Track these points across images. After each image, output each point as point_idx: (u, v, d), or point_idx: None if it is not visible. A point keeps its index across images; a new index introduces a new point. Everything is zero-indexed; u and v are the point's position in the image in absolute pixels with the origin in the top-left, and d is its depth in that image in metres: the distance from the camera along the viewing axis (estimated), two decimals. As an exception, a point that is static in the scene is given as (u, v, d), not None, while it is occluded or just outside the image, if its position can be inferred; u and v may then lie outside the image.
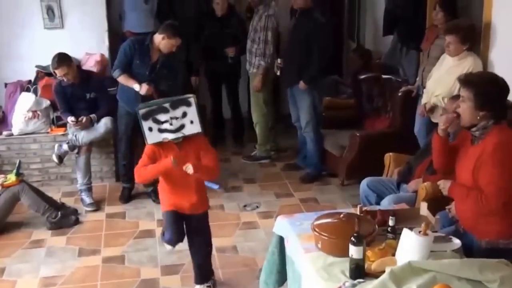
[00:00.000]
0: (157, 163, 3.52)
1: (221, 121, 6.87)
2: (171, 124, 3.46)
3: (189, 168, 3.43)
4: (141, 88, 4.82)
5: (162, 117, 3.45)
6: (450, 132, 3.73)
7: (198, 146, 3.58)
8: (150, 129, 3.45)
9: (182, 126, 3.49)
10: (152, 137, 3.47)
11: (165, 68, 4.95)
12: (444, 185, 3.17)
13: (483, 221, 3.00)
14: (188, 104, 3.49)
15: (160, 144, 3.52)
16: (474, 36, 4.46)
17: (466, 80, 3.01)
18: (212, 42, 6.24)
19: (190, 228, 3.74)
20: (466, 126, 3.03)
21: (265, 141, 6.23)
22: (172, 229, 3.62)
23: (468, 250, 2.99)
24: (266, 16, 5.74)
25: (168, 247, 3.68)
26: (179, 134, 3.49)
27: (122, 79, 4.95)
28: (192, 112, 3.50)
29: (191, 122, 3.50)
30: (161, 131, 3.47)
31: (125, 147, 5.23)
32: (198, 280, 3.87)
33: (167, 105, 3.46)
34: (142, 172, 3.57)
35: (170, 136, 3.48)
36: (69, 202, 5.16)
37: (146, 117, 3.44)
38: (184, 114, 3.48)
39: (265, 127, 6.17)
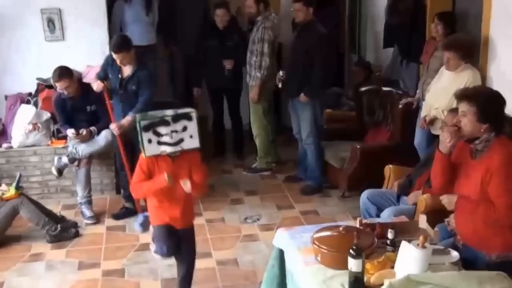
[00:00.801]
0: (152, 181, 3.55)
1: (222, 132, 6.90)
2: (171, 138, 3.49)
3: (186, 186, 3.49)
4: (95, 85, 4.99)
5: (162, 130, 3.47)
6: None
7: (191, 162, 3.60)
8: (150, 141, 3.47)
9: (181, 140, 3.52)
10: (150, 149, 3.49)
11: (132, 84, 4.88)
12: (448, 200, 3.17)
13: (491, 234, 3.03)
14: (190, 119, 3.53)
15: (155, 157, 3.55)
16: (473, 51, 4.52)
17: (465, 95, 3.06)
18: (213, 55, 6.29)
19: (179, 239, 3.76)
20: (468, 139, 3.07)
21: (266, 153, 6.26)
22: (167, 244, 3.65)
23: (470, 264, 3.02)
24: (263, 28, 5.79)
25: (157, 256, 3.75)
26: (177, 148, 3.52)
27: None
28: (193, 127, 3.53)
29: (191, 136, 3.53)
30: (160, 143, 3.49)
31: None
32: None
33: (168, 118, 3.49)
34: (139, 190, 3.65)
35: (168, 149, 3.50)
36: (69, 215, 5.20)
37: (147, 128, 3.46)
38: (185, 128, 3.52)
39: (265, 139, 6.21)
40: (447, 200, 3.19)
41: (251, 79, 6.01)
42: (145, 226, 4.25)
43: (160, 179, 3.50)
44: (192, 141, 3.54)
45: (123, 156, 4.89)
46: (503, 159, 2.93)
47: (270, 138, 6.27)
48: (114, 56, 4.81)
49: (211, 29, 6.36)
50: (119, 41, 4.82)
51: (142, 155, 3.53)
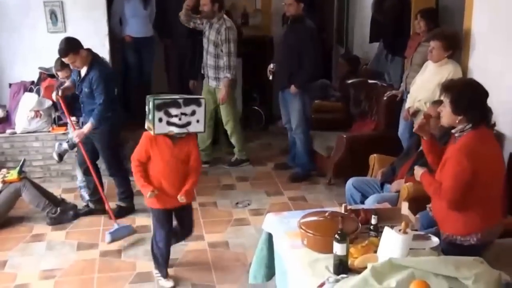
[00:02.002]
0: (142, 185, 3.62)
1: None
2: (179, 119, 3.54)
3: (182, 199, 3.61)
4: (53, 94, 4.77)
5: (173, 111, 3.52)
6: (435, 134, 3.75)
7: (190, 146, 3.66)
8: (160, 120, 3.51)
9: (188, 123, 3.57)
10: (160, 128, 3.52)
11: (85, 86, 4.57)
12: (417, 171, 3.21)
13: (443, 214, 3.05)
14: (199, 104, 3.58)
15: (156, 137, 3.58)
16: (457, 44, 4.49)
17: (445, 87, 3.05)
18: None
19: (178, 219, 3.87)
20: (447, 128, 3.07)
21: (243, 144, 6.10)
22: (166, 229, 3.73)
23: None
24: (226, 29, 5.51)
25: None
26: (183, 130, 3.57)
27: None
28: (201, 112, 3.58)
29: (197, 121, 3.59)
30: (169, 124, 3.53)
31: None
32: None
33: (180, 101, 3.54)
34: (135, 176, 3.68)
35: (175, 130, 3.55)
36: (69, 198, 5.15)
37: (159, 107, 3.50)
38: (193, 113, 3.56)
39: (240, 132, 6.03)
40: (416, 171, 3.23)
41: (219, 82, 5.70)
42: (115, 236, 4.39)
43: (145, 191, 3.59)
44: (198, 126, 3.60)
45: (87, 161, 4.67)
46: (457, 150, 2.93)
47: (242, 132, 6.11)
48: (63, 60, 4.58)
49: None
50: (64, 45, 4.45)
51: (150, 132, 3.57)
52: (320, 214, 3.16)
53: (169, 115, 3.52)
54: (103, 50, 5.84)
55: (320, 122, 5.96)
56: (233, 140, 6.05)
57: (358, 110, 5.82)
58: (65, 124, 5.41)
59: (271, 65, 5.66)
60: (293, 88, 5.43)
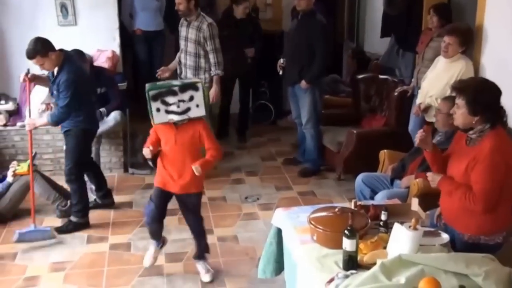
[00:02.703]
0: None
1: (228, 117, 6.74)
2: (178, 107, 3.51)
3: (197, 170, 3.52)
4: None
5: (170, 99, 3.49)
6: (442, 132, 3.74)
7: (196, 130, 3.62)
8: (158, 110, 3.49)
9: (188, 109, 3.54)
10: (159, 117, 3.52)
11: (54, 89, 4.41)
12: (433, 178, 3.12)
13: (466, 215, 2.99)
14: (196, 89, 3.54)
15: (160, 126, 3.59)
16: (471, 40, 4.45)
17: (458, 88, 2.98)
18: (229, 44, 5.98)
19: (182, 207, 3.84)
20: (464, 129, 3.01)
21: None
22: (155, 202, 3.73)
23: (451, 244, 2.99)
24: (208, 26, 5.26)
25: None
26: (184, 116, 3.54)
27: None
28: (199, 96, 3.54)
29: (197, 105, 3.55)
30: (168, 112, 3.51)
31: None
32: (197, 256, 3.95)
33: (176, 88, 3.51)
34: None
35: (175, 118, 3.53)
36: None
37: (155, 98, 3.47)
38: (191, 98, 3.53)
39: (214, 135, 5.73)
40: (431, 178, 3.14)
41: (203, 80, 5.33)
42: (24, 238, 4.30)
43: (145, 150, 3.61)
44: (198, 110, 3.56)
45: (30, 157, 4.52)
46: (489, 151, 2.86)
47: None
48: (31, 62, 4.35)
49: (227, 19, 6.20)
50: (32, 46, 4.26)
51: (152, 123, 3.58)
52: (330, 209, 3.16)
53: (166, 104, 3.49)
54: (113, 44, 5.89)
55: (330, 117, 5.94)
56: None
57: (369, 105, 5.81)
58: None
59: (281, 60, 5.64)
60: (303, 83, 5.41)
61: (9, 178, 4.62)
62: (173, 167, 3.65)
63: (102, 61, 5.71)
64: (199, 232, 3.92)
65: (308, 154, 5.75)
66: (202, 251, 3.93)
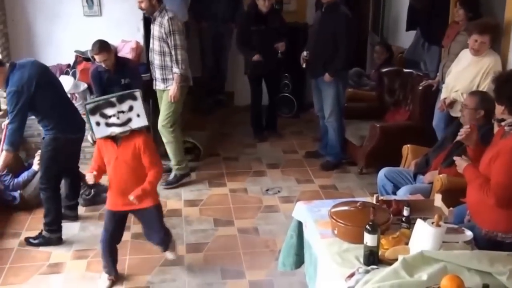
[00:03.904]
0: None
1: (260, 113, 6.51)
2: (118, 118, 3.39)
3: (132, 199, 3.45)
4: None
5: (109, 111, 3.38)
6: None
7: (136, 145, 3.48)
8: (98, 123, 3.38)
9: (129, 120, 3.42)
10: (100, 131, 3.41)
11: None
12: (459, 164, 3.11)
13: (483, 209, 2.96)
14: (134, 98, 3.43)
15: (104, 140, 3.48)
16: (500, 35, 4.37)
17: (493, 77, 2.99)
18: (257, 39, 6.03)
19: (141, 221, 3.79)
20: (497, 119, 2.99)
21: (181, 158, 5.30)
22: (107, 230, 3.67)
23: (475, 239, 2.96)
24: (168, 20, 4.87)
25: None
26: (126, 128, 3.42)
27: None
28: (138, 106, 3.44)
29: (138, 115, 3.43)
30: (108, 125, 3.39)
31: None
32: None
33: (113, 99, 3.41)
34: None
35: (117, 130, 3.41)
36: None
37: (93, 111, 3.37)
38: (131, 108, 3.42)
39: (177, 145, 5.23)
40: (458, 163, 3.13)
41: (167, 83, 5.08)
42: None
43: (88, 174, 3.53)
44: (140, 120, 3.44)
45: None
46: (511, 144, 2.83)
47: (181, 142, 5.36)
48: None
49: (254, 14, 6.09)
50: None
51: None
52: (352, 204, 3.13)
53: (105, 116, 3.37)
54: (138, 34, 5.91)
55: (353, 111, 5.89)
56: (169, 151, 5.23)
57: (392, 99, 5.74)
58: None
59: (304, 53, 5.58)
60: (327, 76, 5.37)
61: (35, 166, 4.67)
62: (116, 184, 3.53)
63: (126, 52, 5.74)
64: (161, 240, 3.83)
65: (330, 147, 5.71)
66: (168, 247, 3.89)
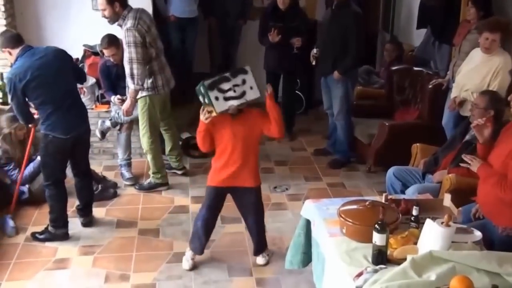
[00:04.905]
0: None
1: None
2: (234, 91, 3.54)
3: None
4: None
5: (225, 85, 3.53)
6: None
7: (252, 118, 3.66)
8: (217, 98, 3.52)
9: (244, 93, 3.57)
10: (219, 106, 3.53)
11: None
12: (473, 163, 3.13)
13: (500, 206, 2.96)
14: (245, 72, 3.59)
15: (214, 121, 3.59)
16: (510, 35, 4.35)
17: None
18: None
19: (240, 202, 3.87)
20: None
21: (159, 168, 5.09)
22: (208, 208, 3.78)
23: (489, 239, 2.95)
24: (125, 31, 4.57)
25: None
26: (242, 100, 3.57)
27: None
28: (250, 78, 3.59)
29: (251, 88, 3.58)
30: (226, 99, 3.54)
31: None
32: (255, 251, 4.00)
33: (227, 74, 3.56)
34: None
35: (235, 103, 3.55)
36: (110, 175, 5.25)
37: (211, 87, 3.51)
38: (244, 81, 3.57)
39: (156, 155, 5.04)
40: (472, 162, 3.16)
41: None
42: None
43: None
44: (253, 92, 3.60)
45: None
46: None
47: (160, 152, 5.17)
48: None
49: (273, 10, 6.03)
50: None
51: (205, 122, 3.58)
52: (360, 203, 3.14)
53: (222, 91, 3.52)
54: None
55: (362, 109, 5.88)
56: (148, 160, 5.11)
57: (402, 97, 5.73)
58: (108, 102, 5.49)
59: (314, 50, 5.57)
60: (336, 74, 5.36)
61: (39, 157, 4.69)
62: (231, 159, 3.66)
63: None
64: (258, 232, 3.95)
65: (339, 145, 5.71)
66: (259, 249, 3.98)
